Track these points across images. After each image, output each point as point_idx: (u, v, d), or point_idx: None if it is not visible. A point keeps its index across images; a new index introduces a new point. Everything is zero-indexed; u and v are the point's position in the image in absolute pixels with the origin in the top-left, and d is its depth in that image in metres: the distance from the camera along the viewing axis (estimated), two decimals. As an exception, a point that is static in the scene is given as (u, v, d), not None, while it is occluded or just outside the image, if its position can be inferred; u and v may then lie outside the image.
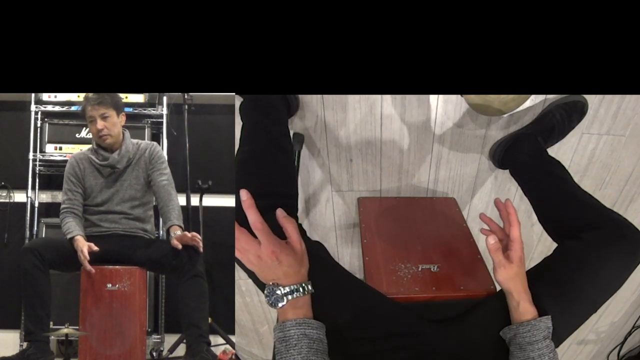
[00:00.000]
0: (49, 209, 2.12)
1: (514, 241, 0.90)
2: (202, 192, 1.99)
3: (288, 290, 0.79)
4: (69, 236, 1.61)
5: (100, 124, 1.64)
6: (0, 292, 2.04)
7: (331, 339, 0.85)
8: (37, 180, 2.07)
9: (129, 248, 1.67)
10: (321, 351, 0.78)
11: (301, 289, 0.80)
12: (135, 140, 1.76)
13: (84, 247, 1.56)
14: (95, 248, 1.56)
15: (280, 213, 0.84)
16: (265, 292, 0.81)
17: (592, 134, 1.50)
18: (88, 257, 1.55)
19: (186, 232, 1.61)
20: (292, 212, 1.04)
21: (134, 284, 1.62)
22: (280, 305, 0.79)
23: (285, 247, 0.81)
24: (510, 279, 0.88)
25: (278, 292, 0.79)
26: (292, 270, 0.81)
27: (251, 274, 0.86)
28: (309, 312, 0.81)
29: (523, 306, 0.87)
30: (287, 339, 0.77)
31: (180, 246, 1.57)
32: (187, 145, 2.02)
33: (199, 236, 1.59)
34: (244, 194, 0.79)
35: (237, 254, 0.82)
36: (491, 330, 0.91)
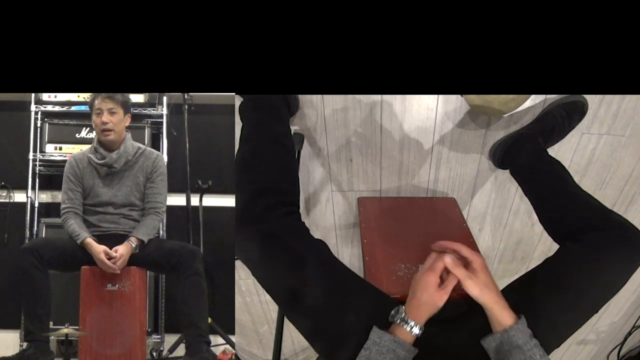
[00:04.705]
0: (49, 209, 2.12)
1: (469, 255, 0.90)
2: (202, 192, 2.00)
3: (418, 328, 0.85)
4: (78, 240, 1.61)
5: (106, 117, 1.65)
6: (0, 292, 2.04)
7: (333, 339, 0.85)
8: (37, 180, 2.07)
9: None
10: None
11: (422, 329, 0.86)
12: (137, 144, 1.75)
13: (101, 254, 1.58)
14: (114, 254, 1.59)
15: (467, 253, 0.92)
16: (397, 313, 0.87)
17: (592, 134, 1.50)
18: (111, 265, 1.58)
19: (122, 255, 1.60)
20: (295, 209, 1.04)
21: (134, 284, 1.62)
22: (407, 331, 0.84)
23: None
24: (480, 290, 0.85)
25: (411, 323, 0.84)
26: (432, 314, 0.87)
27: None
28: (411, 341, 0.85)
29: (501, 314, 0.84)
30: (379, 344, 0.82)
31: (106, 254, 1.59)
32: (187, 145, 2.03)
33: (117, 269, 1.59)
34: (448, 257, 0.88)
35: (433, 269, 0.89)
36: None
